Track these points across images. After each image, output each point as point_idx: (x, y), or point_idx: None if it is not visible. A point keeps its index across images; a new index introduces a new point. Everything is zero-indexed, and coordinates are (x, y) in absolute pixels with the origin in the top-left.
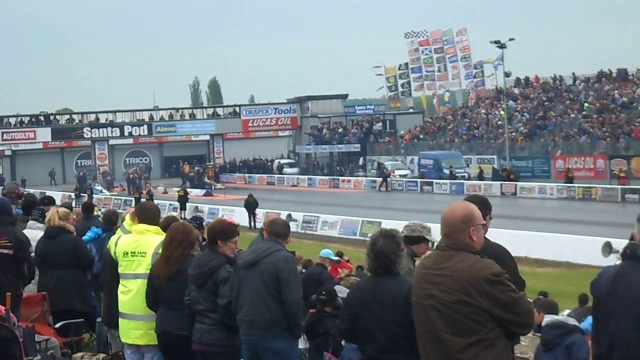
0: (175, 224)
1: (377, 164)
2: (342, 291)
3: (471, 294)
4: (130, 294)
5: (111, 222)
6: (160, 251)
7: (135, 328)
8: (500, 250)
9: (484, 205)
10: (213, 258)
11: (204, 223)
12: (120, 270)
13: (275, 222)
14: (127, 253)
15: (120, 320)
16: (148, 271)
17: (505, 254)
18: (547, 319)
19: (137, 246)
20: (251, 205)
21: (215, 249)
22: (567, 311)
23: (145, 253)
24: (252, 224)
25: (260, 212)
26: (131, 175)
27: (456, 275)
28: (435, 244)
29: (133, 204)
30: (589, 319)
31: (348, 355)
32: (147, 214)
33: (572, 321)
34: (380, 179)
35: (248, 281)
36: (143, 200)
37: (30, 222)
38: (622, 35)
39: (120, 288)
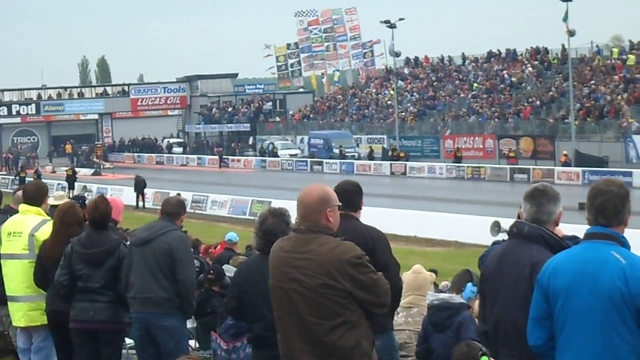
0: (62, 204)
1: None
2: (230, 270)
3: (335, 277)
4: (9, 275)
5: None
6: (37, 232)
7: (18, 310)
8: (375, 232)
9: (358, 191)
10: (108, 236)
11: (86, 202)
12: (1, 250)
13: (168, 202)
14: (10, 233)
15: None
16: (24, 251)
17: (379, 236)
18: (431, 297)
19: (15, 226)
20: (139, 185)
21: (105, 227)
22: (445, 282)
23: (21, 233)
24: (142, 204)
25: (149, 192)
26: (4, 155)
27: (319, 258)
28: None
29: (18, 183)
30: (469, 286)
31: (227, 331)
32: (29, 195)
33: (457, 299)
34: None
35: (140, 259)
36: (30, 179)
37: None
38: (512, 16)
39: (3, 269)
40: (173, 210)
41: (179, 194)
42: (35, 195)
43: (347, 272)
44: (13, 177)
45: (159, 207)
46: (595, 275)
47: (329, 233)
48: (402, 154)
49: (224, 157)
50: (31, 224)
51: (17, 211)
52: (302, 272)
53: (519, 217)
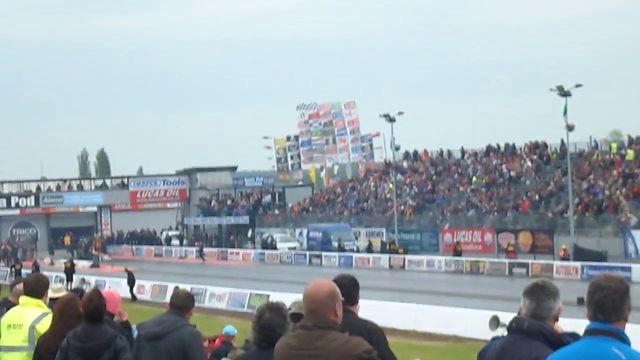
0: (63, 297)
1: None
2: None
3: None
4: None
5: None
6: (38, 325)
7: None
8: (372, 325)
9: (355, 284)
10: (104, 329)
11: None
12: (1, 343)
13: (177, 295)
14: (10, 326)
15: None
16: (24, 344)
17: (376, 329)
18: None
19: (15, 319)
20: (131, 279)
21: (100, 321)
22: None
23: (21, 325)
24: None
25: (147, 285)
26: (2, 247)
27: (330, 354)
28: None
29: (14, 276)
30: None
31: None
32: (30, 287)
33: None
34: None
35: (150, 354)
36: (26, 272)
37: None
38: (511, 110)
39: None
40: (182, 303)
41: (176, 287)
42: (36, 288)
43: None
44: (9, 269)
45: (157, 300)
46: None
47: (337, 328)
48: (400, 250)
49: (222, 249)
50: (32, 317)
51: (14, 304)
52: None
53: (518, 312)
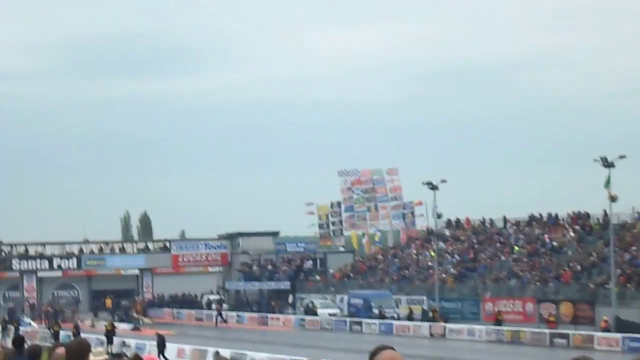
0: None
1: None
2: None
3: None
4: None
5: (35, 356)
6: None
7: None
8: None
9: None
10: None
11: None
12: None
13: None
14: None
15: None
16: None
17: None
18: None
19: None
20: (161, 343)
21: None
22: None
23: None
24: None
25: (188, 349)
26: (44, 308)
27: None
28: None
29: (52, 337)
30: None
31: None
32: (72, 352)
33: None
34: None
35: None
36: (65, 332)
37: None
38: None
39: None
40: None
41: (217, 352)
42: (79, 352)
43: None
44: (49, 331)
45: None
46: None
47: None
48: (441, 320)
49: (263, 313)
50: None
51: None
52: None
53: None
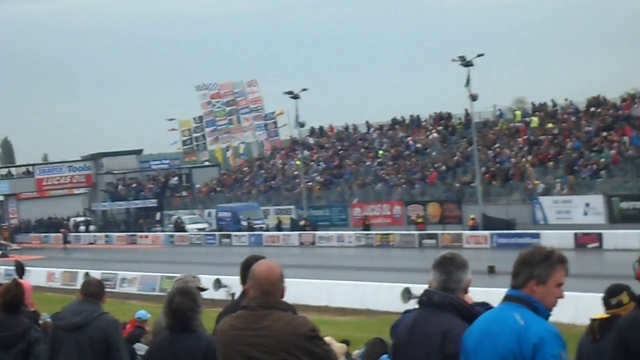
0: None
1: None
2: (141, 349)
3: (293, 351)
4: None
5: None
6: None
7: None
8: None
9: None
10: (19, 320)
11: None
12: None
13: (89, 283)
14: None
15: None
16: None
17: None
18: None
19: None
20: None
21: (17, 311)
22: (357, 351)
23: None
24: None
25: (57, 272)
26: None
27: (275, 334)
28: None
29: None
30: (384, 358)
31: None
32: None
33: None
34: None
35: (73, 345)
36: None
37: None
38: (414, 83)
39: None
40: (95, 291)
41: (87, 274)
42: None
43: (304, 345)
44: None
45: (68, 287)
46: (496, 336)
47: (281, 307)
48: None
49: (131, 233)
50: None
51: None
52: (259, 349)
53: (429, 285)
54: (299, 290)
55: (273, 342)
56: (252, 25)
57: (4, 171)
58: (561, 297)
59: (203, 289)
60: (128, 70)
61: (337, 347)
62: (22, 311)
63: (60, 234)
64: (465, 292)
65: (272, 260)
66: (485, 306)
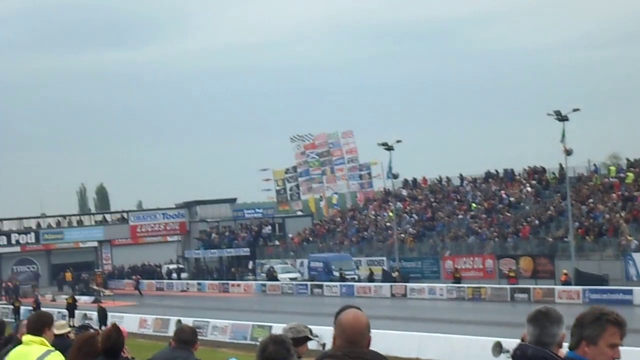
0: (85, 334)
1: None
2: None
3: None
4: None
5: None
6: None
7: None
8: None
9: None
10: None
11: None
12: None
13: (183, 330)
14: None
15: None
16: None
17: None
18: None
19: (20, 357)
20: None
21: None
22: None
23: None
24: None
25: (150, 319)
26: (4, 284)
27: None
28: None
29: (14, 313)
30: None
31: None
32: (31, 325)
33: None
34: None
35: None
36: (26, 308)
37: None
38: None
39: None
40: (188, 338)
41: (179, 321)
42: (37, 325)
43: None
44: (9, 306)
45: (159, 334)
46: None
47: (367, 357)
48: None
49: (223, 281)
50: (35, 355)
51: (21, 341)
52: None
53: (522, 339)
54: (390, 342)
55: None
56: (347, 76)
57: (99, 217)
58: (617, 357)
59: (311, 338)
60: (223, 120)
61: None
62: (121, 357)
63: (152, 282)
64: (560, 346)
65: (360, 311)
66: None
